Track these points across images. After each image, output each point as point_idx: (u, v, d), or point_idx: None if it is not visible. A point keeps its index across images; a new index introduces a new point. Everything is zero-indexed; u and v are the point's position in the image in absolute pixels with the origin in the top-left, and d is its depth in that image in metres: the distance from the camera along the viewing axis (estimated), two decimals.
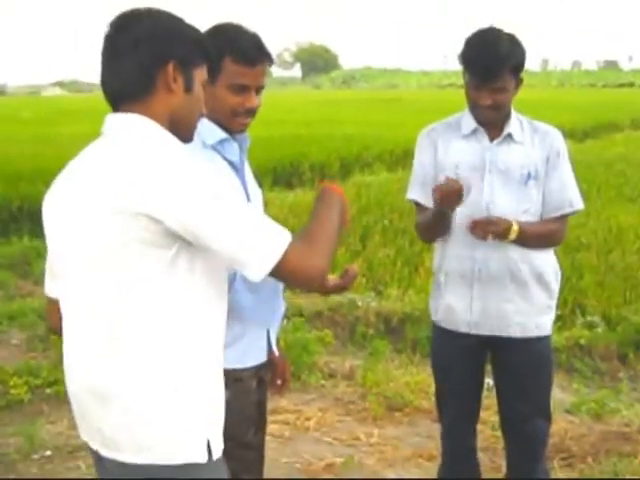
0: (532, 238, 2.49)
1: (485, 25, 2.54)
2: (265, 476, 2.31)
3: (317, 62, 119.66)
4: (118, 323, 1.55)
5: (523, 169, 2.50)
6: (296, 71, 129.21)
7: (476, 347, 2.63)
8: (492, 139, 2.55)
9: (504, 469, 2.85)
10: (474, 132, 2.57)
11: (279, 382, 2.41)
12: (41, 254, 6.07)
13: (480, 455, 2.87)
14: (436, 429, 2.98)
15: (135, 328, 1.54)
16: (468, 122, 2.58)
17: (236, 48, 1.98)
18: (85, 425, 1.68)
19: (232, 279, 1.93)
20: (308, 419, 4.06)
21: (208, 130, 1.99)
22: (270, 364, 2.26)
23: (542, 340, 2.60)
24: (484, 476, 2.90)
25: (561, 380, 4.52)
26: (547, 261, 2.57)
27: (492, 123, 2.54)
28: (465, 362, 2.67)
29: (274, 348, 2.22)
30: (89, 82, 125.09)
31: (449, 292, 2.61)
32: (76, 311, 1.62)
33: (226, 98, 2.01)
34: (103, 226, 1.49)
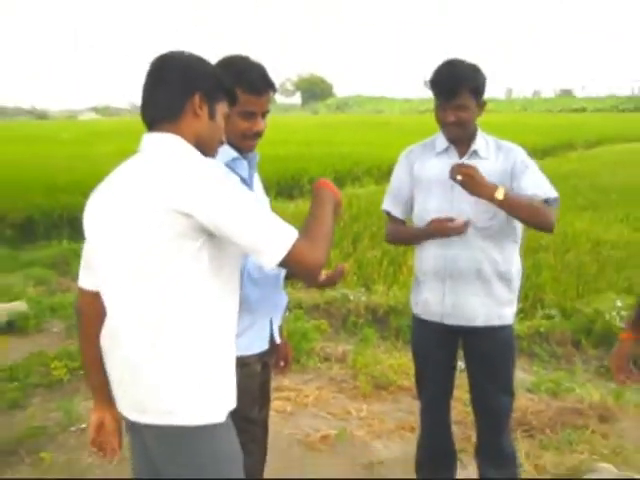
0: (517, 205, 2.33)
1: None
2: (270, 446, 2.31)
3: (315, 90, 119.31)
4: (155, 304, 1.59)
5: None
6: (297, 98, 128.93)
7: (449, 335, 2.62)
8: (461, 155, 2.54)
9: (474, 439, 2.85)
10: (446, 150, 2.57)
11: (282, 364, 2.42)
12: (78, 255, 6.10)
13: (454, 427, 2.87)
14: (416, 405, 2.97)
15: (168, 309, 1.59)
16: (441, 141, 2.58)
17: (244, 80, 1.98)
18: (121, 395, 1.72)
19: (241, 277, 1.93)
20: (307, 396, 4.06)
21: (222, 150, 1.99)
22: (274, 349, 2.26)
23: (505, 329, 2.59)
24: (457, 446, 2.89)
25: (523, 363, 4.54)
26: (510, 260, 2.54)
27: (460, 140, 2.53)
28: (440, 348, 2.67)
29: (276, 336, 2.22)
30: (119, 107, 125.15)
31: (426, 288, 2.60)
32: (118, 293, 1.65)
33: (237, 123, 2.01)
34: (144, 222, 1.55)
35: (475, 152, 2.53)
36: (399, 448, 3.44)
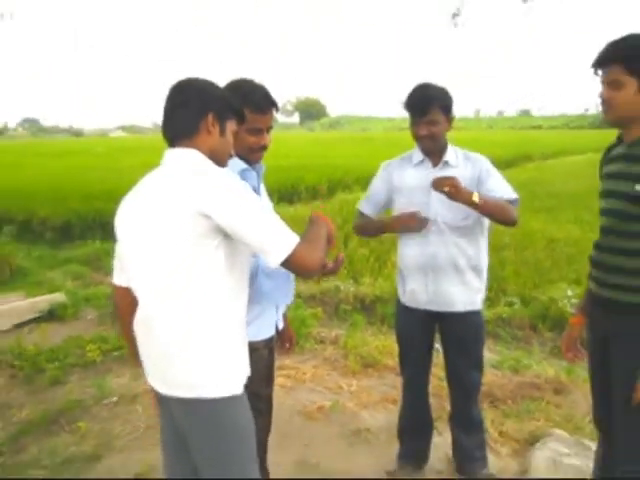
0: (491, 206, 2.33)
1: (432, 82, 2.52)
2: (274, 416, 2.31)
3: (311, 111, 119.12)
4: (182, 296, 1.59)
5: None
6: (295, 118, 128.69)
7: (429, 320, 2.63)
8: (434, 165, 2.55)
9: (448, 409, 2.85)
10: (421, 161, 2.57)
11: (287, 346, 2.42)
12: (109, 253, 6.08)
13: (431, 399, 2.87)
14: (398, 381, 2.98)
15: (194, 300, 1.59)
16: (417, 155, 2.59)
17: (250, 101, 1.97)
18: (152, 372, 1.72)
19: (255, 272, 1.93)
20: (305, 374, 4.05)
21: (233, 162, 1.99)
22: (279, 333, 2.27)
23: (476, 313, 2.60)
24: (433, 415, 2.89)
25: (489, 344, 4.53)
26: (480, 255, 2.55)
27: (432, 152, 2.52)
28: (422, 332, 2.67)
29: (279, 323, 2.21)
30: (143, 126, 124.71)
31: (411, 280, 2.60)
32: (148, 287, 1.65)
33: (246, 139, 2.01)
34: (170, 224, 1.55)
35: (446, 162, 2.53)
36: (383, 417, 3.44)
